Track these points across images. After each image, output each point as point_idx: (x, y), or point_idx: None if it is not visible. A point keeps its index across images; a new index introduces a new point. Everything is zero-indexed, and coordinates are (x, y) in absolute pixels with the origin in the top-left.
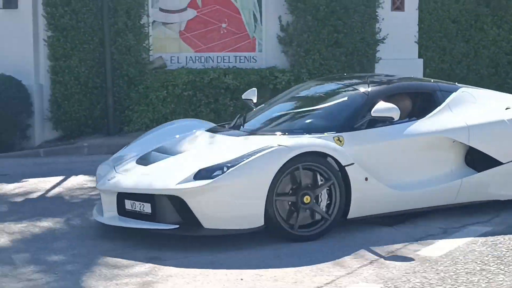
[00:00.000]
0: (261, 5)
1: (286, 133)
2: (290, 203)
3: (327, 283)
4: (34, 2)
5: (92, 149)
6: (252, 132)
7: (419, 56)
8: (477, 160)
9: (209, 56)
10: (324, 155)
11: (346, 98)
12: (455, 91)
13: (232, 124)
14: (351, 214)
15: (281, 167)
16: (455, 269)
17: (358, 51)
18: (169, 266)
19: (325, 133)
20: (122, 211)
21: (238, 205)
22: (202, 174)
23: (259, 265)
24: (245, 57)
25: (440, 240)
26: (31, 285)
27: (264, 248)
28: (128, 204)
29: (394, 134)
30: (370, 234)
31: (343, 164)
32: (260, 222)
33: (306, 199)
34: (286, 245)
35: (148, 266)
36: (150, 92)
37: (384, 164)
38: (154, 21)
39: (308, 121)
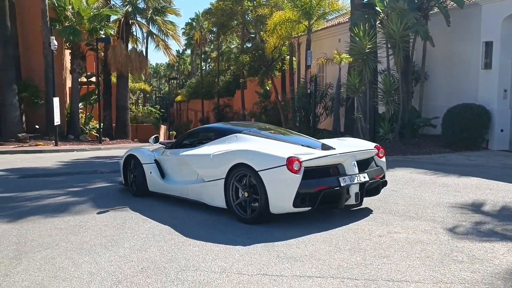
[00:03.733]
0: None
1: (162, 147)
2: (131, 175)
3: None
4: (501, 65)
5: None
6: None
7: None
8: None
9: None
10: (135, 157)
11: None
12: (232, 134)
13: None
14: (149, 189)
15: (125, 158)
16: None
17: None
18: None
19: (164, 147)
20: None
21: None
22: None
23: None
24: None
25: None
26: None
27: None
28: None
29: (175, 153)
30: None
31: (142, 163)
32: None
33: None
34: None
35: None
36: None
37: (167, 167)
38: None
39: (172, 142)
